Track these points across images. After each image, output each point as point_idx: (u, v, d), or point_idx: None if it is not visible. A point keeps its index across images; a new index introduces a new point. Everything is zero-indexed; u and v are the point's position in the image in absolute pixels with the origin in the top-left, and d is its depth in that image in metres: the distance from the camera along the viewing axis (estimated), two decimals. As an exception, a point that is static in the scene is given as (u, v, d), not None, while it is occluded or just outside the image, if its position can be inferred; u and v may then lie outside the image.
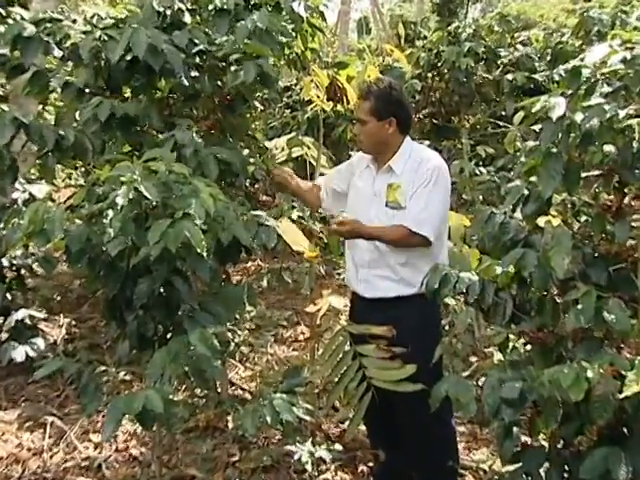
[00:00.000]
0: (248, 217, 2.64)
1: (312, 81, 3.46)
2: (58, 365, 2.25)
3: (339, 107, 3.47)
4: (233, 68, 2.88)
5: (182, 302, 2.33)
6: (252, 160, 3.18)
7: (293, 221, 3.01)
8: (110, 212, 2.14)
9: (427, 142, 5.50)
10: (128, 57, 2.66)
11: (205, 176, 2.58)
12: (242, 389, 4.04)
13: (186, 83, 2.80)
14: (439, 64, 6.37)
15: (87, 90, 2.86)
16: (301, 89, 3.87)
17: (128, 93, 2.98)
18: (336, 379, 2.59)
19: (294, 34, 2.99)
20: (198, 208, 2.13)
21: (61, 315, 5.11)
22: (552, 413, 1.75)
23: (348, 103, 3.34)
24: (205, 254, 2.08)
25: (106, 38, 2.71)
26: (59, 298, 5.53)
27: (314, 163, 3.58)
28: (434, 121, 6.64)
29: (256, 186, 3.58)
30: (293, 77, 6.66)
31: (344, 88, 3.34)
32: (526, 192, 2.16)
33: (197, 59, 2.89)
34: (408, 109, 2.78)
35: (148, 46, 2.62)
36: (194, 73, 2.91)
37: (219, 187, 2.47)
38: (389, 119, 2.68)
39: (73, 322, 5.06)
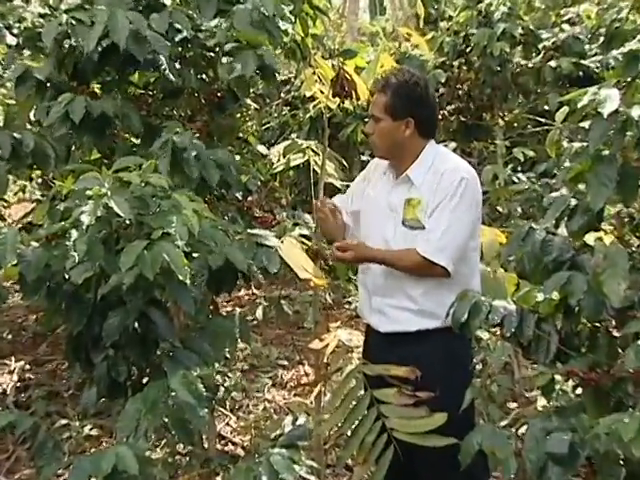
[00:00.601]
0: (243, 236, 2.66)
1: (314, 73, 3.49)
2: (8, 420, 2.18)
3: (347, 104, 3.52)
4: (225, 59, 2.92)
5: (161, 339, 2.33)
6: (245, 168, 3.21)
7: (297, 241, 3.06)
8: (74, 232, 2.15)
9: (453, 144, 5.52)
10: (104, 44, 2.67)
11: (204, 183, 2.67)
12: (233, 443, 4.06)
13: (172, 77, 2.84)
14: (467, 50, 6.39)
15: (49, 85, 2.86)
16: (301, 83, 3.91)
17: (96, 88, 2.99)
18: (349, 431, 2.52)
19: (292, 18, 3.07)
20: (180, 227, 2.15)
21: (12, 358, 5.07)
22: (612, 473, 1.72)
23: (357, 99, 3.35)
24: (188, 281, 2.09)
25: (74, 22, 2.72)
26: (10, 337, 5.49)
27: (318, 170, 3.60)
28: (462, 118, 6.64)
29: (249, 199, 3.61)
30: (292, 69, 6.73)
31: (352, 81, 3.34)
32: (573, 203, 2.16)
33: (179, 48, 2.92)
34: (432, 108, 2.79)
35: (130, 32, 2.65)
36: (176, 65, 2.91)
37: (208, 201, 2.49)
38: (406, 119, 2.70)
39: (27, 366, 5.02)
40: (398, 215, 2.71)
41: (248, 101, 3.71)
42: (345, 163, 4.28)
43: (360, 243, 2.73)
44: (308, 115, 6.19)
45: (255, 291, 6.66)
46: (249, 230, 2.75)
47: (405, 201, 2.70)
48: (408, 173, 2.73)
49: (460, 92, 6.66)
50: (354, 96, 3.38)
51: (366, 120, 2.91)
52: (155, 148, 2.70)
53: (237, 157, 3.18)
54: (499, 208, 5.55)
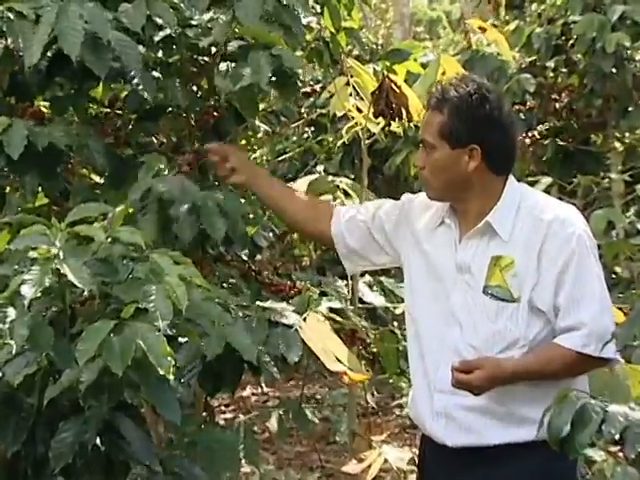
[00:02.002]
0: (252, 312, 2.76)
1: (348, 84, 3.56)
2: None
3: (394, 125, 3.53)
4: (225, 65, 3.03)
5: (133, 461, 2.29)
6: (251, 216, 3.27)
7: (326, 317, 3.08)
8: (11, 311, 2.15)
9: (547, 180, 5.54)
10: (54, 48, 2.72)
11: (197, 238, 2.75)
12: None
13: (146, 95, 2.90)
14: (567, 45, 6.44)
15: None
16: (330, 97, 3.97)
17: (43, 107, 3.04)
18: None
19: (318, 7, 3.15)
20: (161, 300, 2.17)
21: None
22: None
23: (409, 119, 3.40)
24: (172, 378, 2.09)
25: (11, 16, 2.74)
26: None
27: None
28: (559, 143, 6.69)
29: (258, 257, 3.69)
30: (318, 76, 6.88)
31: (402, 94, 3.41)
32: None
33: (160, 51, 3.01)
34: (507, 132, 2.81)
35: (86, 37, 2.65)
36: (155, 74, 3.01)
37: (200, 263, 2.54)
38: (470, 147, 2.73)
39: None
40: (473, 278, 2.75)
41: (257, 122, 3.79)
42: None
43: (490, 358, 2.70)
44: (340, 141, 6.27)
45: (267, 390, 6.64)
46: (259, 303, 2.84)
47: (491, 260, 2.74)
48: (489, 220, 2.75)
49: (557, 105, 6.72)
50: (404, 115, 3.43)
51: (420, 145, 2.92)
52: (132, 199, 2.75)
53: (242, 201, 3.26)
54: (617, 269, 5.57)
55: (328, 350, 2.87)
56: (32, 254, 2.20)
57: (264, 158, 6.60)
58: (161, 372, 2.07)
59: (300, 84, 3.11)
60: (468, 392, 2.67)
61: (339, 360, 2.91)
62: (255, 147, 4.48)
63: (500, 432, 2.69)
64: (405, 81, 3.55)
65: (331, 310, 3.18)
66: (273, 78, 2.88)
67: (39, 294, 2.12)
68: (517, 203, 2.76)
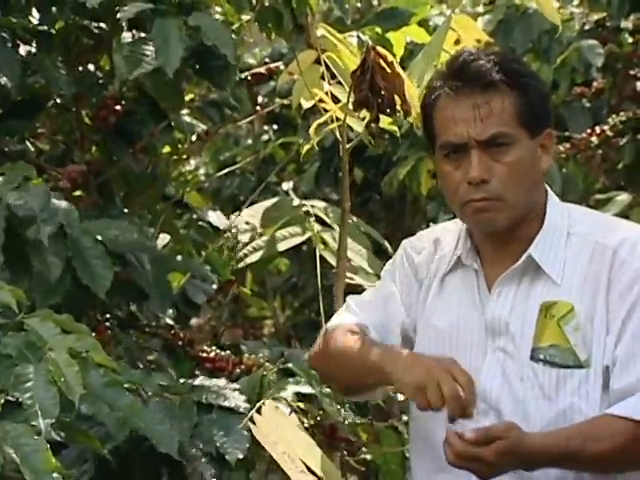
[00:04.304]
0: (177, 397, 2.91)
1: (319, 61, 3.55)
2: None
3: (384, 121, 3.50)
4: (129, 37, 2.93)
5: None
6: (179, 257, 3.18)
7: (291, 407, 3.22)
8: None
9: (623, 196, 5.53)
10: None
11: (80, 293, 2.58)
12: None
13: (4, 81, 3.09)
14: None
15: None
16: (293, 82, 3.98)
17: None
18: None
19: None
20: (42, 390, 2.28)
21: None
22: None
23: (406, 112, 3.37)
24: None
25: None
26: None
27: (331, 259, 3.74)
28: None
29: (194, 322, 3.68)
30: (282, 49, 6.73)
31: (395, 74, 3.35)
32: None
33: (34, 16, 2.96)
34: None
35: None
36: (25, 50, 3.03)
37: (98, 329, 2.44)
38: (547, 131, 2.87)
39: None
40: (513, 342, 2.82)
41: (186, 118, 3.72)
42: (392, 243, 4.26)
43: (513, 427, 2.68)
44: (308, 145, 5.98)
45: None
46: (189, 381, 3.00)
47: (541, 311, 2.79)
48: (533, 254, 2.79)
49: (637, 86, 6.80)
50: (397, 106, 3.40)
51: (434, 151, 2.92)
52: None
53: (164, 238, 3.18)
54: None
55: (293, 455, 2.88)
56: None
57: (199, 173, 6.50)
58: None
59: (236, 68, 3.05)
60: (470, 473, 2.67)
61: (310, 470, 2.90)
62: (184, 156, 4.42)
63: None
64: (401, 56, 3.57)
65: (300, 397, 3.27)
66: (192, 60, 2.89)
67: None
68: (565, 228, 2.86)
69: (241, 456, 2.85)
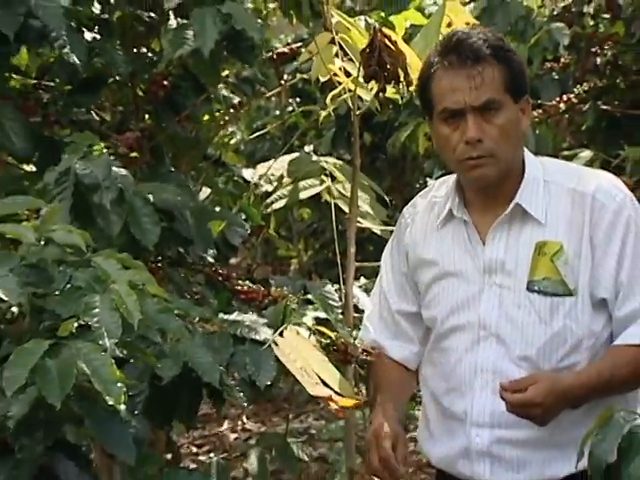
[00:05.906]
0: (215, 326, 3.01)
1: (333, 41, 3.82)
2: None
3: (390, 91, 3.77)
4: (175, 23, 3.38)
5: None
6: (217, 209, 3.68)
7: (310, 331, 3.35)
8: None
9: (586, 153, 6.02)
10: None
11: (134, 244, 3.05)
12: None
13: (75, 59, 3.22)
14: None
15: None
16: (311, 59, 4.20)
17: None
18: None
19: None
20: (107, 314, 2.37)
21: None
22: None
23: (408, 83, 3.64)
24: (123, 408, 2.25)
25: None
26: None
27: (345, 209, 3.99)
28: (603, 107, 7.05)
29: (234, 261, 3.96)
30: (303, 34, 7.31)
31: (398, 51, 3.62)
32: None
33: (96, 7, 3.39)
34: None
35: None
36: (90, 35, 3.40)
37: (154, 267, 2.91)
38: (526, 97, 3.04)
39: None
40: (509, 277, 3.00)
41: (224, 92, 4.25)
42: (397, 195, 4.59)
43: (542, 372, 2.96)
44: (324, 113, 6.46)
45: (249, 426, 7.25)
46: (222, 316, 3.10)
47: (535, 248, 2.97)
48: (519, 201, 2.97)
49: (599, 60, 7.06)
50: (401, 78, 3.67)
51: (429, 116, 3.10)
52: (49, 182, 3.01)
53: (206, 191, 3.69)
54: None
55: (309, 370, 3.09)
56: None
57: (236, 137, 6.90)
58: (110, 402, 2.23)
59: (261, 48, 3.45)
60: (531, 422, 2.88)
61: (323, 382, 3.12)
62: (222, 123, 4.85)
63: (564, 463, 2.96)
64: (403, 36, 3.80)
65: (318, 322, 3.44)
66: (225, 41, 3.29)
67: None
68: (541, 177, 3.04)
69: (269, 383, 2.95)
